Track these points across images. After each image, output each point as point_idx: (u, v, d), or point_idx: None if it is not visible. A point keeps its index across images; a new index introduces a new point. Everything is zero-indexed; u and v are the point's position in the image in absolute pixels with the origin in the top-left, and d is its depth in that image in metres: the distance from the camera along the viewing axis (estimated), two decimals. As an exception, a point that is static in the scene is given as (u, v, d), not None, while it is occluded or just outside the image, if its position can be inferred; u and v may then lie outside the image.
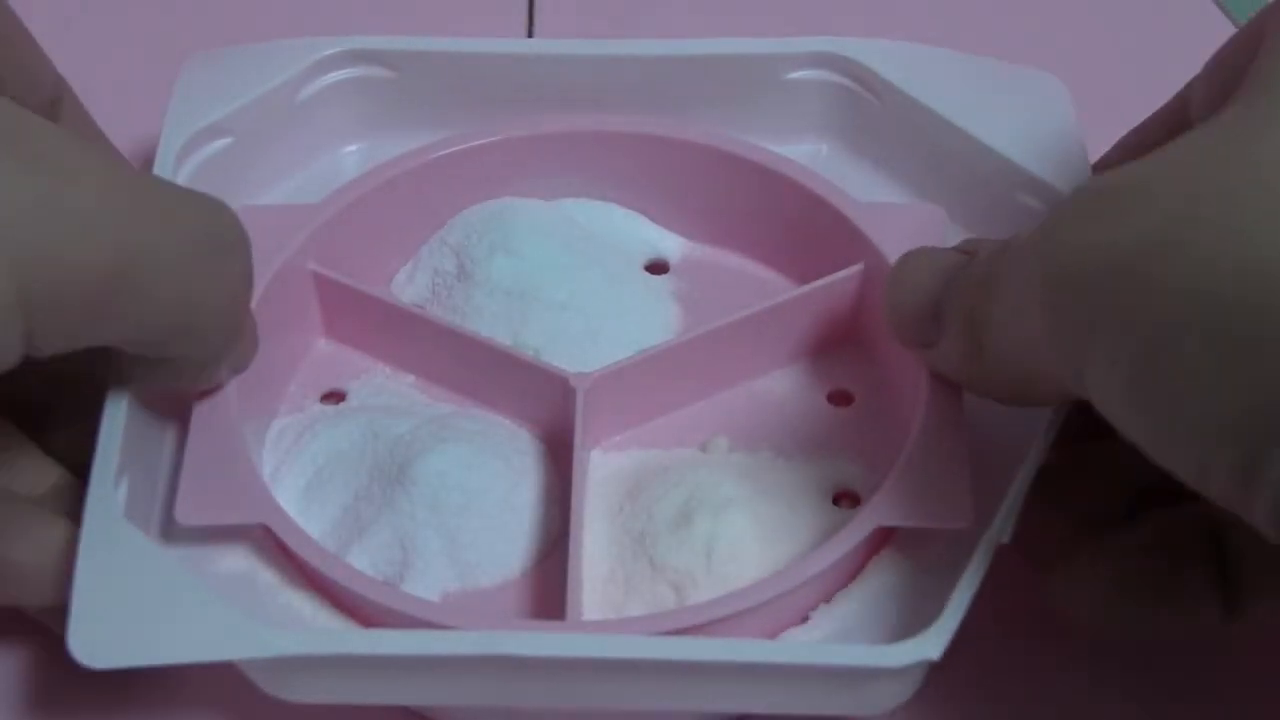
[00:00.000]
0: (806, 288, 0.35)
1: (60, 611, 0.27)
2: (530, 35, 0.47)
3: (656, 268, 0.38)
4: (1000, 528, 0.28)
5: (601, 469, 0.34)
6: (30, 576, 0.29)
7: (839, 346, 0.36)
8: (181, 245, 0.26)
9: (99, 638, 0.26)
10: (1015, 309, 0.26)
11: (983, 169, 0.36)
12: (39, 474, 0.31)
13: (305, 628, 0.29)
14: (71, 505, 0.29)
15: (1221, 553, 0.29)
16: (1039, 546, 0.30)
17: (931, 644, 0.26)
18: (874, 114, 0.38)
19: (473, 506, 0.32)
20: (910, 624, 0.29)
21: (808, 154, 0.39)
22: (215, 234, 0.28)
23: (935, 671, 0.27)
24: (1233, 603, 0.29)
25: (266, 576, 0.30)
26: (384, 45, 0.38)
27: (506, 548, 0.32)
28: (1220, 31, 0.48)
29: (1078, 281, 0.23)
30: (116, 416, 0.30)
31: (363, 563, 0.31)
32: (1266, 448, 0.21)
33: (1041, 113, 0.36)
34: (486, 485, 0.32)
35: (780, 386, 0.35)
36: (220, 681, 0.30)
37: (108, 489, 0.29)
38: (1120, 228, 0.23)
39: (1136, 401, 0.23)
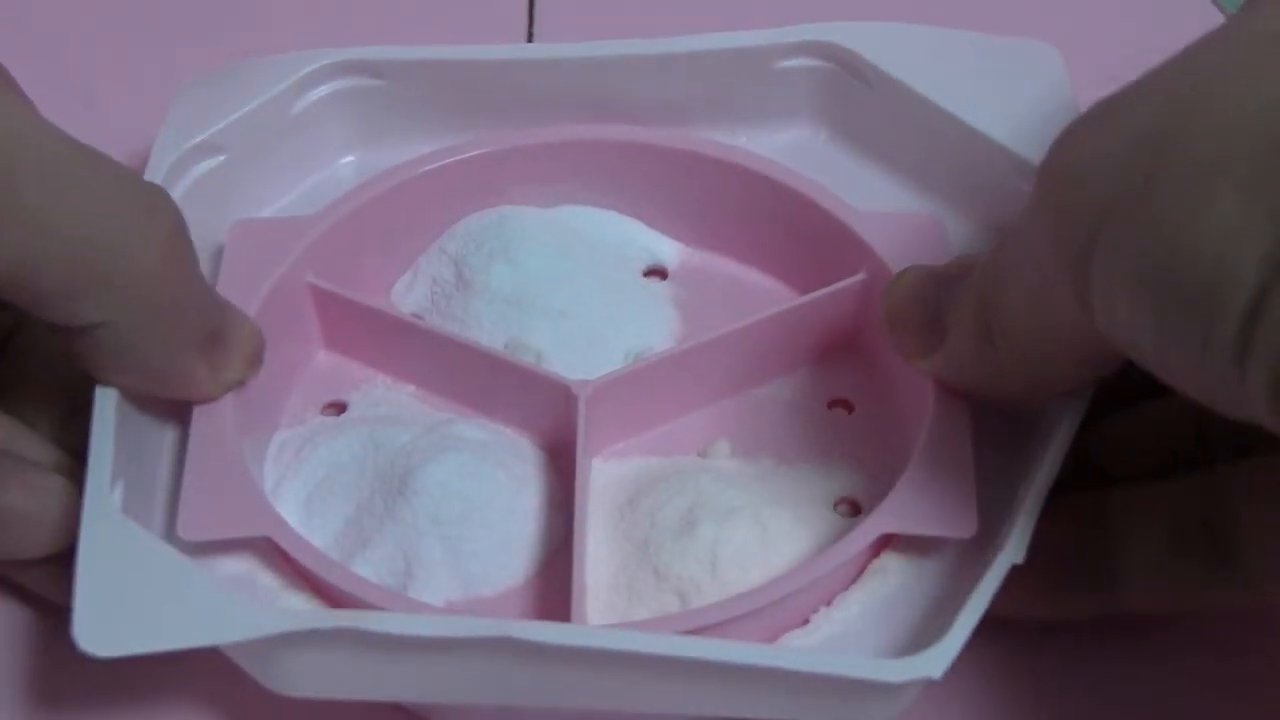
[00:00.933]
0: (808, 297, 0.35)
1: (54, 572, 0.28)
2: (530, 41, 0.47)
3: (655, 274, 0.38)
4: (1014, 549, 0.28)
5: (603, 477, 0.34)
6: (29, 523, 0.29)
7: (840, 354, 0.36)
8: (74, 162, 0.25)
9: (104, 627, 0.26)
10: (1022, 261, 0.26)
11: (976, 154, 0.35)
12: (39, 454, 0.31)
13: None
14: (70, 475, 0.30)
15: (1105, 543, 0.30)
16: None
17: (933, 663, 0.26)
18: (865, 100, 0.37)
19: (474, 516, 0.32)
20: (910, 629, 0.30)
21: (804, 141, 0.39)
22: (128, 183, 0.27)
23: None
24: (1108, 589, 0.30)
25: (267, 579, 0.30)
26: (376, 55, 0.37)
27: (509, 557, 0.32)
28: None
29: (1081, 183, 0.23)
30: (106, 421, 0.30)
31: (366, 574, 0.31)
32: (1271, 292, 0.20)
33: (1036, 86, 0.36)
34: (488, 494, 0.32)
35: (781, 394, 0.35)
36: (220, 680, 0.30)
37: (103, 490, 0.28)
38: (1122, 122, 0.23)
39: (1141, 285, 0.22)
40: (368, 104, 0.38)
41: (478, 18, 0.46)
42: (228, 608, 0.26)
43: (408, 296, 0.37)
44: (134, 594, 0.27)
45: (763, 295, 0.37)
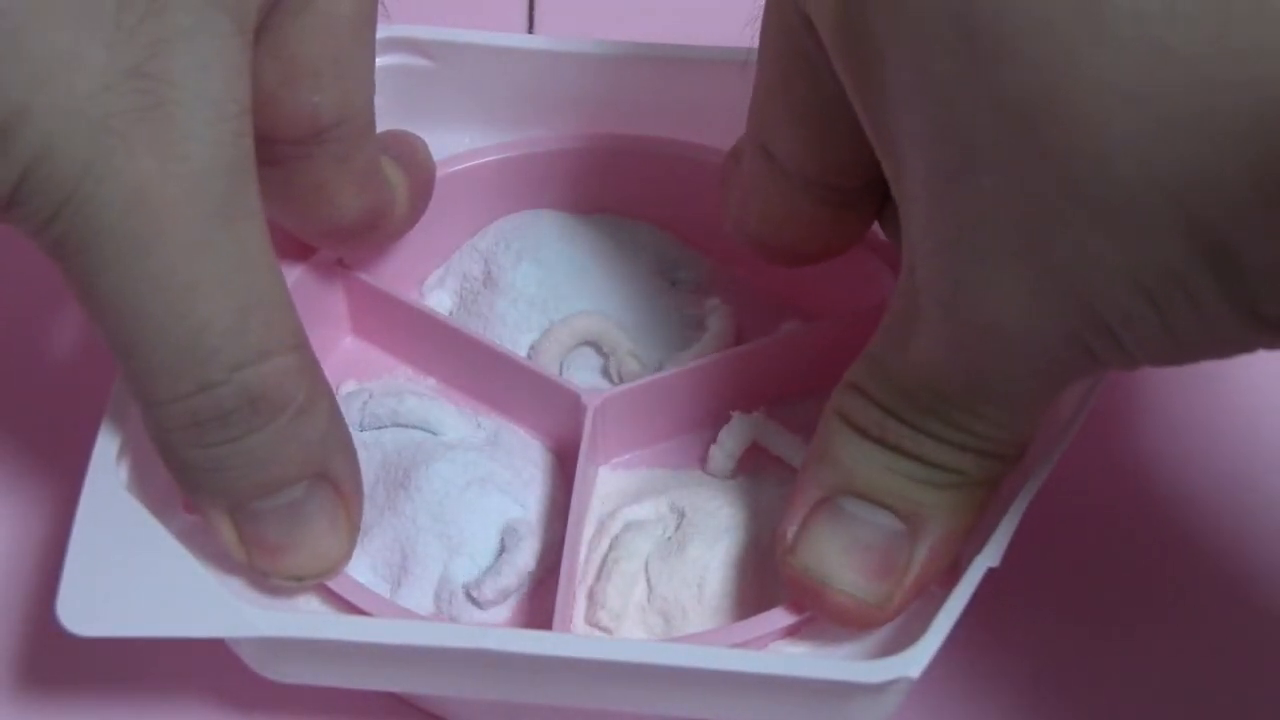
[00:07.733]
0: (826, 321, 0.34)
1: None
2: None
3: (683, 286, 0.38)
4: (990, 554, 0.28)
5: (608, 485, 0.34)
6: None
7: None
8: None
9: (87, 606, 0.26)
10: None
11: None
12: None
13: (294, 609, 0.29)
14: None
15: None
16: None
17: (912, 662, 0.26)
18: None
19: (474, 516, 0.32)
20: (899, 640, 0.29)
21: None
22: None
23: (923, 685, 0.27)
24: None
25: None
26: (426, 35, 0.37)
27: (505, 560, 0.32)
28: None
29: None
30: (126, 395, 0.30)
31: (362, 564, 0.32)
32: None
33: None
34: (490, 496, 0.32)
35: (793, 416, 0.35)
36: (213, 659, 0.30)
37: (109, 462, 0.29)
38: None
39: None
40: (414, 85, 0.37)
41: (476, 9, 0.46)
42: (215, 601, 0.27)
43: (438, 290, 0.37)
44: (123, 575, 0.27)
45: (790, 315, 0.37)
